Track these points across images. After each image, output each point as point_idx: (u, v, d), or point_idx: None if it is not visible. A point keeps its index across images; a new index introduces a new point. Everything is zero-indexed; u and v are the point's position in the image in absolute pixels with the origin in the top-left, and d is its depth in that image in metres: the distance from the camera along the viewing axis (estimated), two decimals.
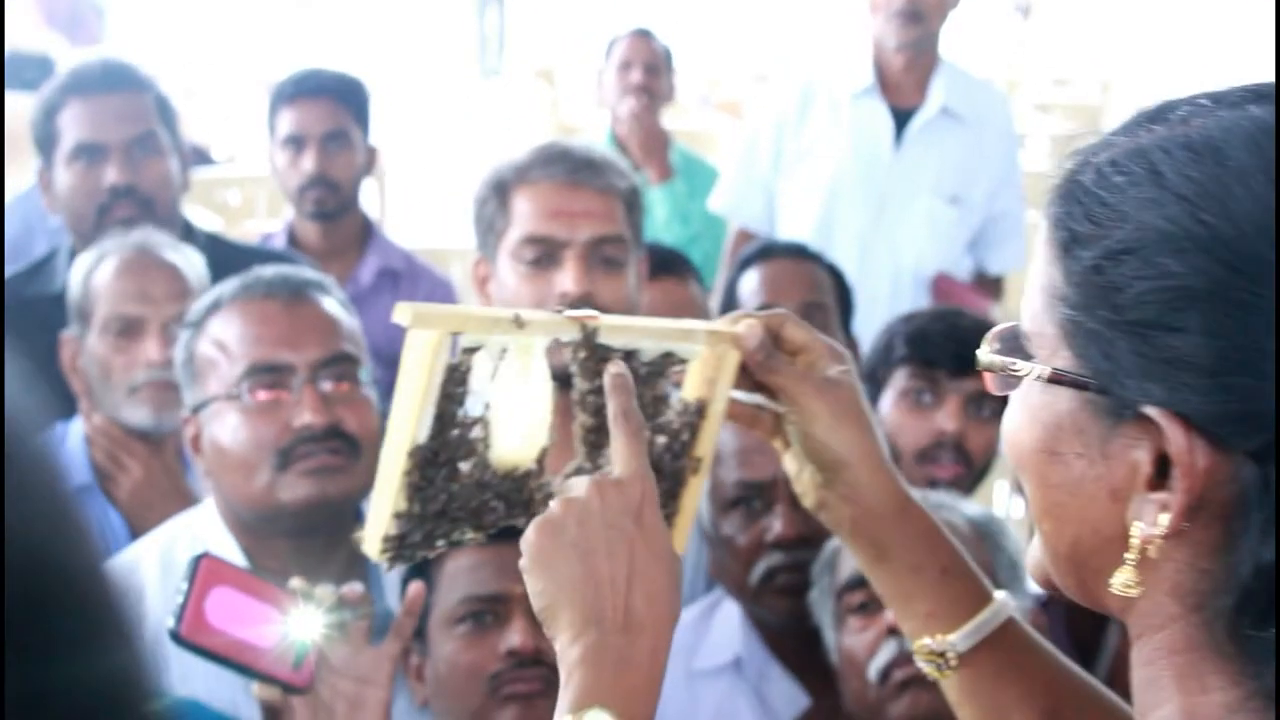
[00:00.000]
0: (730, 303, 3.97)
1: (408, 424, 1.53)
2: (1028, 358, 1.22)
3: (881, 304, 4.70)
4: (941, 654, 1.62)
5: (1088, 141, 1.25)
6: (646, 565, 1.50)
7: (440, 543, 1.58)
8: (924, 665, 1.64)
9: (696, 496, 1.74)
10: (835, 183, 4.89)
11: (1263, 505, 1.11)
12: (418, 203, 9.88)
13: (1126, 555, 1.17)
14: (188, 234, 3.93)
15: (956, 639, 1.62)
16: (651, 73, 6.02)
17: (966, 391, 3.36)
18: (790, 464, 1.70)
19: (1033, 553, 1.29)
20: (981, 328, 3.54)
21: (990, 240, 5.01)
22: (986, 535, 2.66)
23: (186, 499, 3.25)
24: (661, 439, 1.69)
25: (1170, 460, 1.13)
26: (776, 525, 2.91)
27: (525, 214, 3.04)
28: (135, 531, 3.18)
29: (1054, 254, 1.19)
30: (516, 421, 1.58)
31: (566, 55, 12.72)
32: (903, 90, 4.93)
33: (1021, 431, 1.23)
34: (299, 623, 2.20)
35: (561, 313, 1.60)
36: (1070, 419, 1.18)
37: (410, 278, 4.84)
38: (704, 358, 1.68)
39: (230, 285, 2.82)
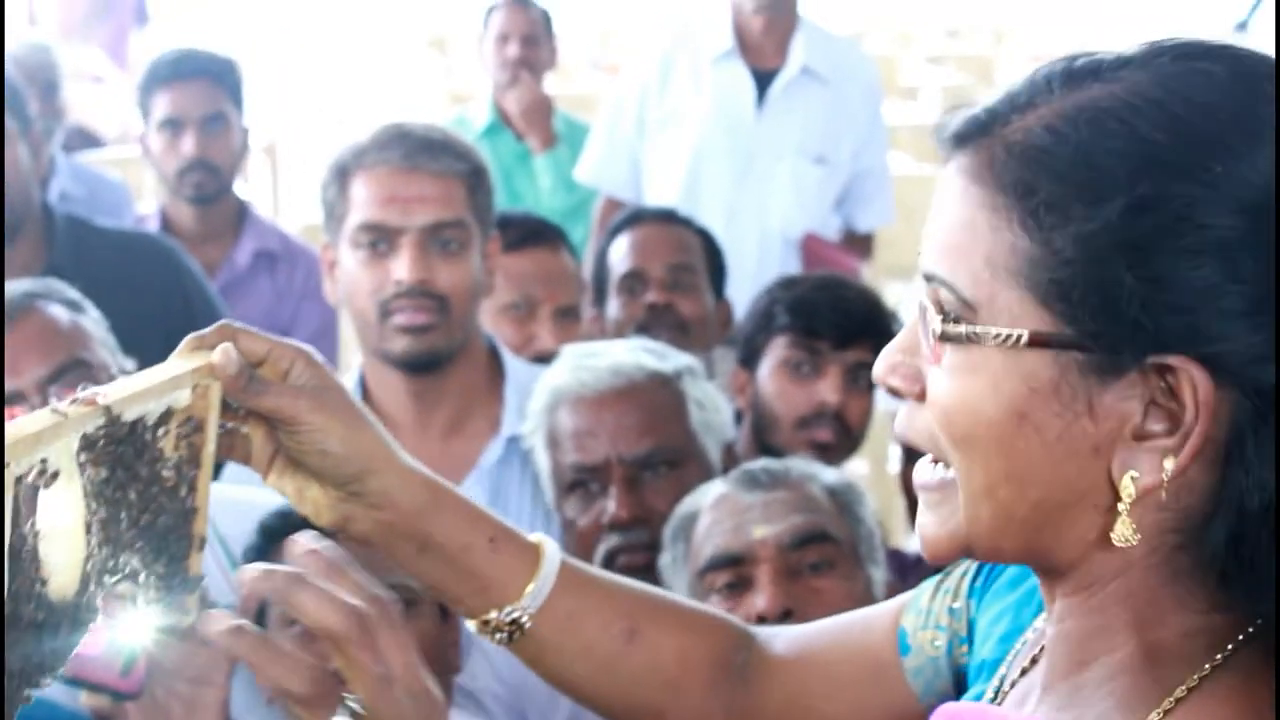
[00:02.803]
0: (601, 271, 3.97)
1: None
2: (972, 326, 1.20)
3: (750, 266, 4.72)
4: (513, 621, 1.60)
5: (986, 100, 1.25)
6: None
7: (19, 704, 1.35)
8: (494, 637, 1.61)
9: (202, 557, 1.53)
10: (699, 147, 4.91)
11: (1258, 439, 1.15)
12: (311, 178, 9.80)
13: (1120, 505, 1.18)
14: (47, 218, 3.89)
15: (527, 601, 1.60)
16: (529, 43, 6.00)
17: (848, 362, 3.37)
18: (284, 486, 1.56)
19: (939, 526, 1.26)
20: (864, 297, 3.58)
21: (858, 198, 5.03)
22: (845, 506, 2.63)
23: None
24: (166, 516, 1.48)
25: (1161, 406, 1.16)
26: (611, 507, 2.88)
27: (361, 200, 3.02)
28: None
29: (1017, 219, 1.18)
30: (65, 539, 1.37)
31: (458, 23, 12.65)
32: (763, 52, 4.94)
33: (981, 401, 1.20)
34: (126, 627, 2.16)
35: (71, 401, 1.36)
36: (1048, 381, 1.18)
37: (287, 258, 4.81)
38: (191, 402, 1.48)
39: None
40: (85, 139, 7.35)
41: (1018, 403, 1.19)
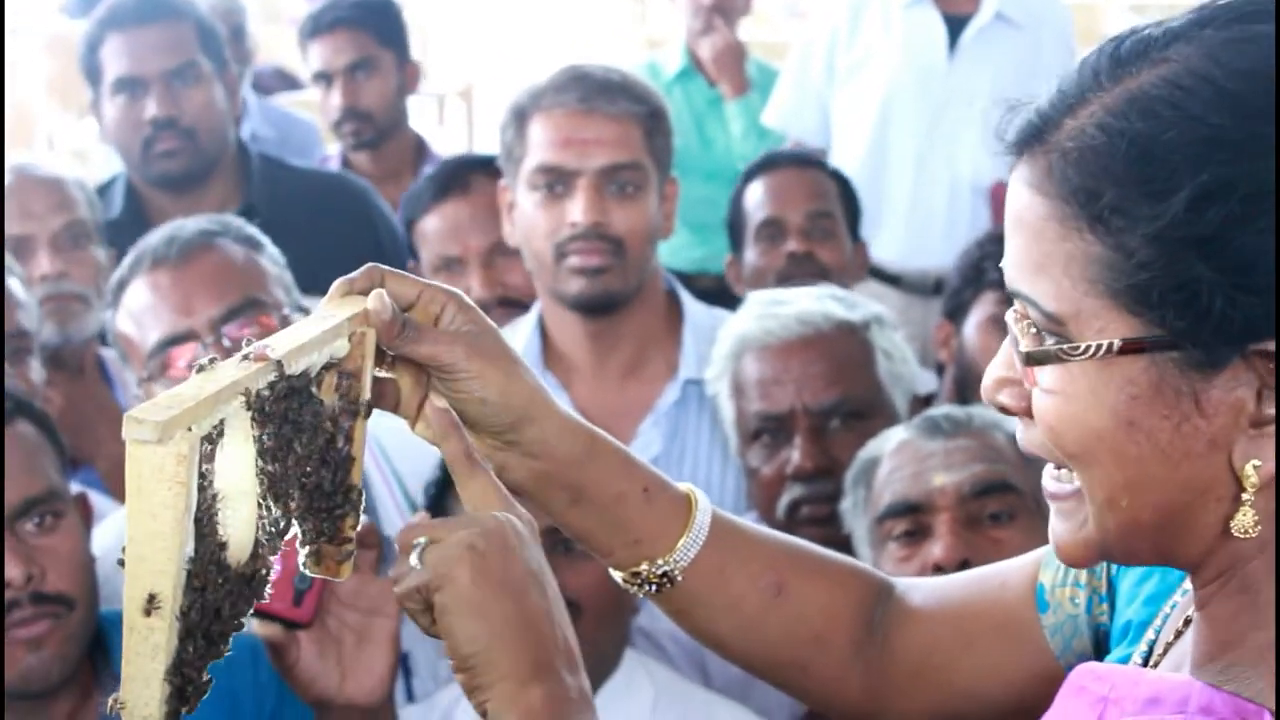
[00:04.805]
0: (737, 216, 3.92)
1: (167, 555, 1.28)
2: (1067, 341, 1.18)
3: (939, 215, 4.67)
4: (664, 574, 1.55)
5: (1040, 100, 1.22)
6: (558, 597, 1.40)
7: (207, 674, 1.35)
8: (642, 590, 1.57)
9: (360, 512, 1.51)
10: (890, 94, 4.83)
11: None
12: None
13: (1245, 495, 1.16)
14: (242, 157, 3.96)
15: (680, 554, 1.55)
16: None
17: None
18: (432, 433, 1.47)
19: (1073, 534, 1.25)
20: None
21: None
22: (1032, 458, 2.60)
23: (115, 416, 3.25)
24: (326, 469, 1.44)
25: (1274, 390, 1.13)
26: (795, 457, 2.87)
27: (538, 142, 3.03)
28: (75, 458, 3.10)
29: (1086, 226, 1.16)
30: (239, 501, 1.35)
31: None
32: None
33: (1086, 414, 1.18)
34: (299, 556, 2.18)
35: (243, 357, 1.35)
36: (1148, 385, 1.16)
37: None
38: (350, 351, 1.43)
39: (129, 259, 2.75)
40: (285, 81, 7.45)
41: (1122, 411, 1.17)
